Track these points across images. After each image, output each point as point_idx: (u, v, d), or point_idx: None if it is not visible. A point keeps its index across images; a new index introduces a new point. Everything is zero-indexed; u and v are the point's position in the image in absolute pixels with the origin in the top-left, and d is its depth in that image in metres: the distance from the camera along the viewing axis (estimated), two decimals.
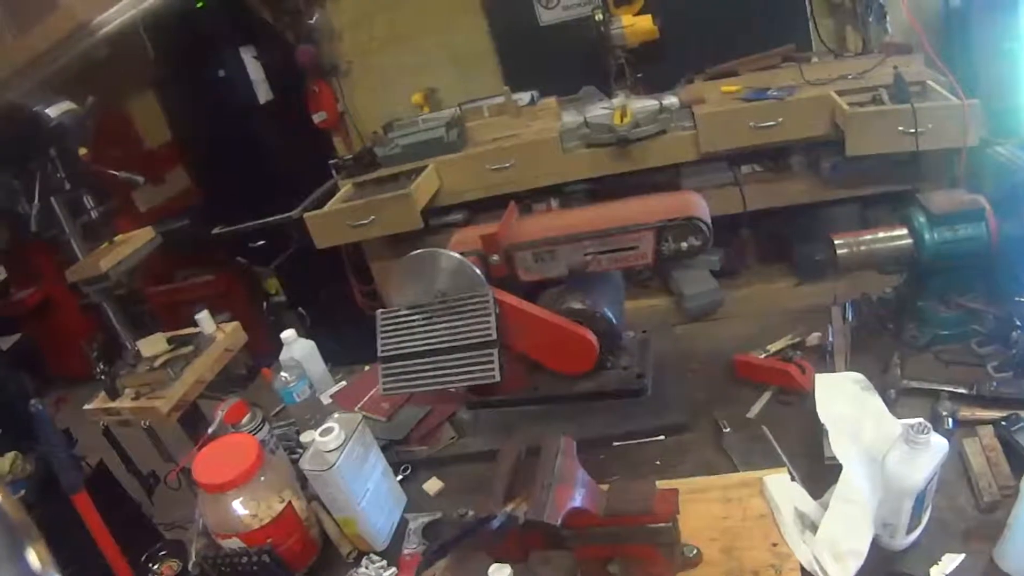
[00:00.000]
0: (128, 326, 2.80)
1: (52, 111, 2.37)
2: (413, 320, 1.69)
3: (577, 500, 1.12)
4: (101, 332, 2.90)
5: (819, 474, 1.35)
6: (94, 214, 2.60)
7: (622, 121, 3.15)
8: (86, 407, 2.55)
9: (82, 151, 2.46)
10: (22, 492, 2.00)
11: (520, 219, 1.81)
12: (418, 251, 1.68)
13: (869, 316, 1.77)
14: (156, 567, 1.64)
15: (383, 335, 1.72)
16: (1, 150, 2.40)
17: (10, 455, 1.84)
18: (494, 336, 1.58)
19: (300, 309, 4.37)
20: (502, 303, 1.63)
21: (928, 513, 1.20)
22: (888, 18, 3.16)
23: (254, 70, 3.84)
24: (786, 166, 3.28)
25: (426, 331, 1.67)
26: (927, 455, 1.11)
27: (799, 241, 3.36)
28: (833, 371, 1.61)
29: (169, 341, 2.69)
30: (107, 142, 4.50)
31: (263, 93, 3.91)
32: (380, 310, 1.74)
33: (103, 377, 2.49)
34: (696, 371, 1.77)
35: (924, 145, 2.66)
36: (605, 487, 1.23)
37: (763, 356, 1.72)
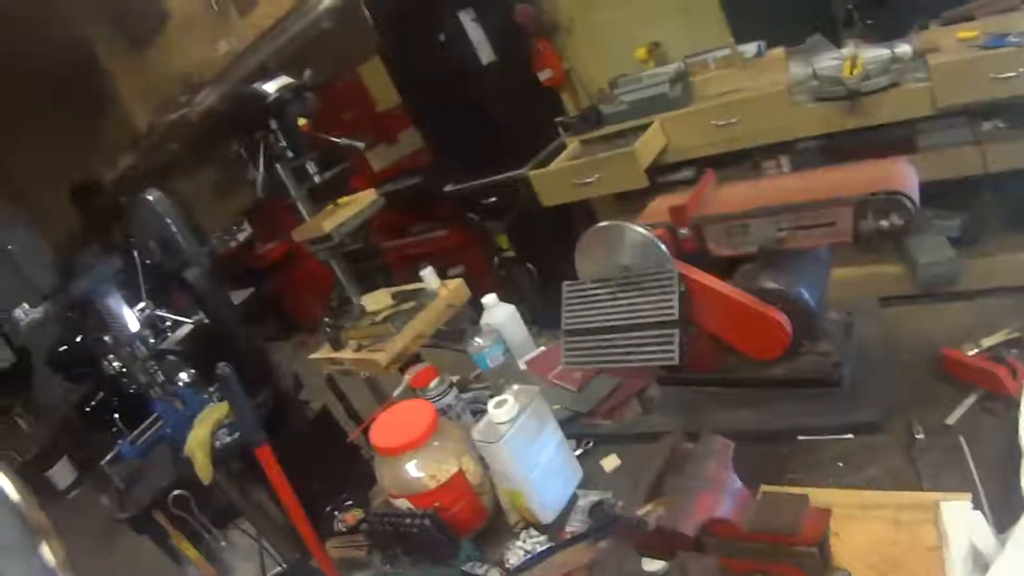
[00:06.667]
0: (354, 282, 3.00)
1: (270, 87, 2.59)
2: (598, 294, 1.65)
3: (720, 510, 1.04)
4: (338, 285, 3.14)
5: (1013, 502, 1.10)
6: (317, 179, 2.80)
7: (852, 73, 2.86)
8: (312, 356, 2.79)
9: (301, 122, 2.64)
10: (236, 434, 2.24)
11: (715, 189, 1.70)
12: (604, 223, 1.63)
13: None
14: (339, 514, 1.80)
15: (568, 307, 1.69)
16: (228, 124, 2.64)
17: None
18: (675, 316, 1.50)
19: (529, 265, 4.45)
20: (689, 280, 1.53)
21: None
22: None
23: (474, 32, 3.91)
24: None
25: (609, 306, 1.62)
26: None
27: None
28: None
29: (393, 296, 2.85)
30: (341, 107, 4.84)
31: (485, 54, 3.97)
32: (566, 282, 1.72)
33: (329, 329, 2.71)
34: (899, 363, 1.54)
35: None
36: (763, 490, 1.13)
37: (974, 352, 1.44)
